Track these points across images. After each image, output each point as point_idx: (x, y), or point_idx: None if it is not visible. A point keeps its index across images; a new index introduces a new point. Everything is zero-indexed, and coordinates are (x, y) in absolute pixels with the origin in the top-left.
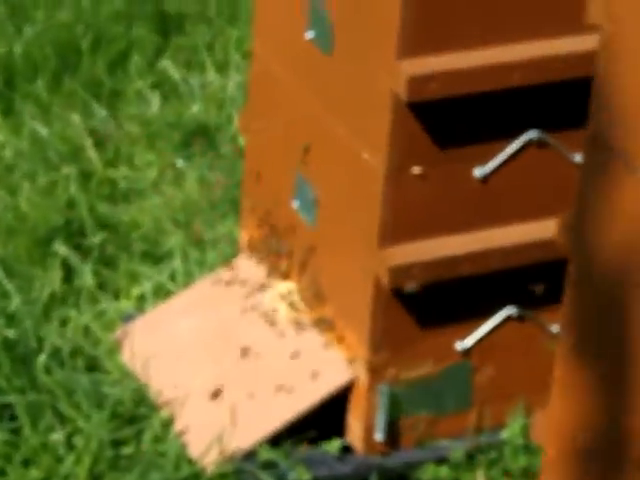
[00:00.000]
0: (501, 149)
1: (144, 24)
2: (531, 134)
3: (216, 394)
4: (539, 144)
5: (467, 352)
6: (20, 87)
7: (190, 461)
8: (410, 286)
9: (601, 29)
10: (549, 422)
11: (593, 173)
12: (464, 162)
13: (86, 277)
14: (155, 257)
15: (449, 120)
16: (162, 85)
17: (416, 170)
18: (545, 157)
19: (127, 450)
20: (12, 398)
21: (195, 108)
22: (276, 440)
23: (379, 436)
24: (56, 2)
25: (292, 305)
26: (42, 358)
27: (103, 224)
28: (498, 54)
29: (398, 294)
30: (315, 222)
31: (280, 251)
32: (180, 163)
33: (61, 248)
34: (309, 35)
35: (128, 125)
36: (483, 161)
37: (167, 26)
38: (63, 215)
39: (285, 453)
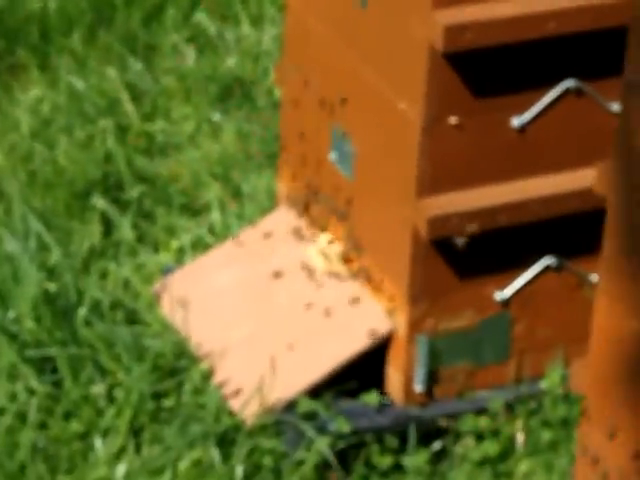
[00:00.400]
0: (538, 98)
1: None
2: (568, 83)
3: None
4: (576, 93)
5: (506, 302)
6: (55, 41)
7: (230, 413)
8: (460, 240)
9: None
10: (588, 371)
11: (630, 120)
12: (501, 112)
13: (125, 230)
14: (193, 210)
15: (485, 70)
16: (197, 39)
17: (453, 120)
18: (582, 106)
19: (167, 403)
20: (53, 351)
21: (231, 61)
22: (316, 392)
23: (418, 387)
24: None
25: (330, 257)
26: (82, 311)
27: (141, 177)
28: (533, 3)
29: (437, 245)
30: (352, 174)
31: (318, 203)
32: (217, 116)
33: (99, 201)
34: None
35: (164, 79)
36: (520, 110)
37: None
38: (101, 169)
39: (325, 404)
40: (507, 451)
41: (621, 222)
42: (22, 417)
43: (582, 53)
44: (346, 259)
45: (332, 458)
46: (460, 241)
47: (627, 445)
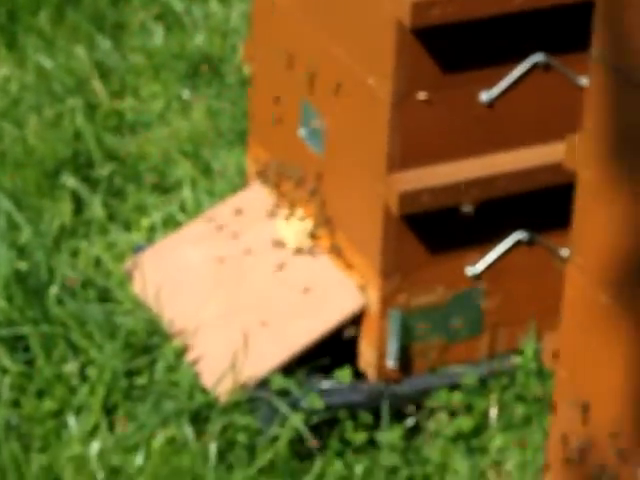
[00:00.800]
0: (506, 73)
1: None
2: (536, 57)
3: None
4: (545, 67)
5: (478, 277)
6: (23, 20)
7: (203, 390)
8: (467, 207)
9: None
10: (561, 344)
11: (598, 93)
12: (470, 87)
13: (95, 209)
14: (164, 188)
15: (454, 45)
16: (165, 16)
17: (422, 95)
18: (551, 80)
19: (140, 380)
20: (25, 329)
21: (199, 39)
22: (289, 368)
23: (391, 363)
24: None
25: (301, 234)
26: (54, 290)
27: (111, 156)
28: None
29: (408, 220)
30: (323, 150)
31: (289, 180)
32: (186, 94)
33: (69, 180)
34: None
35: (132, 57)
36: (489, 85)
37: None
38: (71, 147)
39: (298, 381)
40: (481, 426)
41: (590, 196)
42: None
43: (550, 28)
44: (317, 236)
45: (306, 433)
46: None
47: (599, 420)
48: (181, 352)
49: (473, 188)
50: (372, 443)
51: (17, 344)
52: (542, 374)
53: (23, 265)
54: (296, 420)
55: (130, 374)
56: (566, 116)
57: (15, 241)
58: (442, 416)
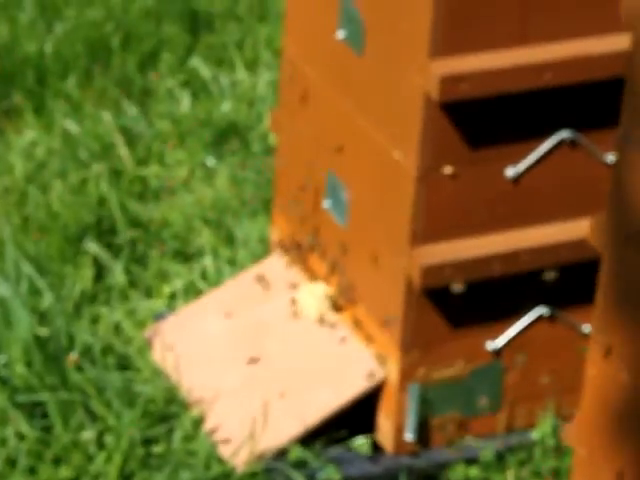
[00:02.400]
0: (533, 149)
1: (174, 22)
2: (563, 134)
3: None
4: (571, 144)
5: (498, 352)
6: (51, 85)
7: (220, 460)
8: (456, 287)
9: (633, 29)
10: (580, 422)
11: (625, 172)
12: (496, 162)
13: (117, 275)
14: (186, 255)
15: (481, 120)
16: (192, 83)
17: (448, 170)
18: (577, 157)
19: (158, 449)
20: (44, 396)
21: (225, 106)
22: (307, 439)
23: (409, 436)
24: (86, 0)
25: (323, 305)
26: (73, 356)
27: (134, 222)
28: (529, 54)
29: (429, 294)
30: (346, 222)
31: (311, 251)
32: (211, 161)
33: (92, 246)
34: (340, 35)
35: (159, 123)
36: (515, 161)
37: (197, 24)
38: (94, 213)
39: (316, 452)
40: None
41: (615, 274)
42: (12, 462)
43: (577, 104)
44: (338, 307)
45: None
46: (456, 288)
47: None
48: (199, 421)
49: (496, 262)
50: None
51: (35, 410)
52: (560, 450)
53: (43, 331)
54: None
55: (147, 442)
56: (591, 192)
57: (36, 306)
58: None
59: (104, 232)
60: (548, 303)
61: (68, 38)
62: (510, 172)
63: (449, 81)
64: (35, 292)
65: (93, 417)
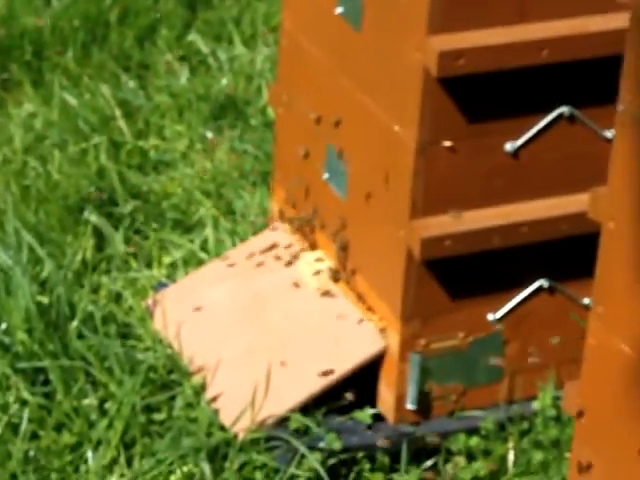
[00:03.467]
0: (532, 124)
1: None
2: (562, 109)
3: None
4: (570, 119)
5: (498, 323)
6: (49, 58)
7: (222, 427)
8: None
9: (631, 7)
10: (581, 392)
11: (624, 146)
12: (495, 136)
13: (117, 245)
14: (186, 227)
15: (479, 95)
16: (190, 58)
17: (447, 144)
18: (575, 132)
19: (159, 416)
20: (45, 363)
21: (224, 81)
22: (308, 408)
23: (410, 406)
24: None
25: (323, 275)
26: (74, 324)
27: (134, 194)
28: (527, 31)
29: (429, 265)
30: (346, 194)
31: (311, 222)
32: (209, 135)
33: (92, 216)
34: (338, 10)
35: (157, 97)
36: (514, 135)
37: (195, 0)
38: (94, 184)
39: (317, 421)
40: (498, 471)
41: (616, 247)
42: (14, 428)
43: (576, 80)
44: (338, 277)
45: (323, 473)
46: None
47: (617, 469)
48: (200, 389)
49: (495, 235)
50: None
51: (37, 377)
52: (560, 421)
53: (44, 299)
54: (314, 460)
55: (149, 410)
56: (590, 167)
57: (37, 275)
58: (460, 460)
59: (104, 203)
60: (548, 275)
61: (66, 12)
62: (509, 147)
63: (448, 57)
64: (36, 261)
65: (95, 384)
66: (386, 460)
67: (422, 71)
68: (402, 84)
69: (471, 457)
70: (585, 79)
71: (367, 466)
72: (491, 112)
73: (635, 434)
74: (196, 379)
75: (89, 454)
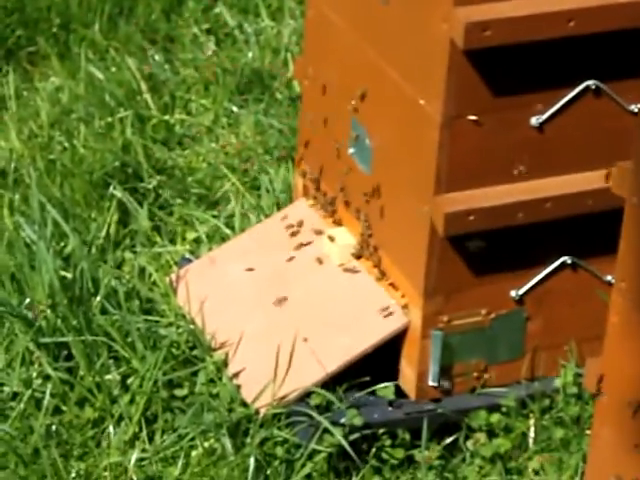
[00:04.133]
0: (557, 97)
1: None
2: (588, 83)
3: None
4: (595, 93)
5: (521, 300)
6: (76, 31)
7: (243, 403)
8: (475, 244)
9: None
10: (604, 370)
11: None
12: (520, 110)
13: (142, 220)
14: (210, 202)
15: (505, 68)
16: (217, 31)
17: (472, 117)
18: (601, 106)
19: (181, 392)
20: (69, 338)
21: (250, 54)
22: (330, 384)
23: (432, 382)
24: None
25: (346, 251)
26: (98, 299)
27: (159, 168)
28: (554, 2)
29: (453, 241)
30: (371, 168)
31: (335, 198)
32: (235, 109)
33: (117, 191)
34: None
35: (183, 70)
36: (539, 109)
37: None
38: (119, 158)
39: (338, 397)
40: (519, 448)
41: (638, 222)
42: (37, 402)
43: (603, 53)
44: (361, 253)
45: (348, 448)
46: (474, 244)
47: None
48: (222, 365)
49: (520, 211)
50: (410, 461)
51: (60, 352)
52: (582, 398)
53: (68, 274)
54: (336, 435)
55: (171, 385)
56: (615, 142)
57: (61, 250)
58: (480, 437)
59: (129, 177)
60: (571, 252)
61: None
62: (534, 120)
63: (474, 28)
64: (60, 236)
65: (117, 360)
66: (407, 436)
67: (448, 43)
68: (428, 56)
69: (492, 434)
70: (612, 52)
71: (388, 442)
72: (517, 85)
73: None
74: (218, 355)
75: (111, 429)
